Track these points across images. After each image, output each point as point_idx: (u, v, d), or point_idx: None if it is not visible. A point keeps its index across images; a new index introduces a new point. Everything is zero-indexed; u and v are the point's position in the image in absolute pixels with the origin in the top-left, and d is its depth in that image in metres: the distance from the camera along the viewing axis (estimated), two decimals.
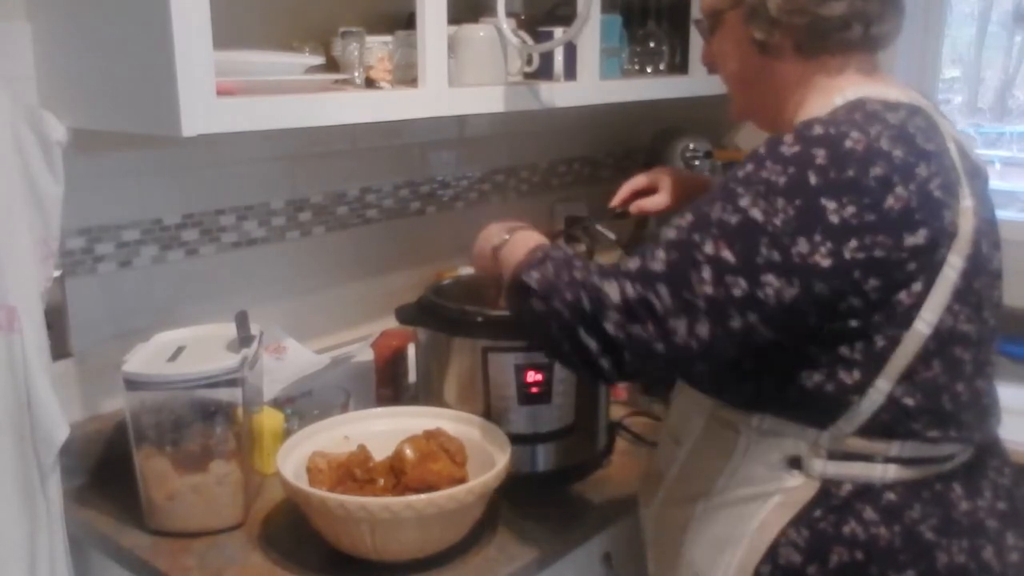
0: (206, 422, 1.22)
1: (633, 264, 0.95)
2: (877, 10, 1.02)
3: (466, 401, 1.35)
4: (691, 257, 0.92)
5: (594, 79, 1.63)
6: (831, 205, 0.90)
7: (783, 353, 0.97)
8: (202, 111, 1.08)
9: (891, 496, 0.98)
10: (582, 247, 1.69)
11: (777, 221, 0.90)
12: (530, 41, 1.53)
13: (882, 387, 0.95)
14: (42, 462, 1.19)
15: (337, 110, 1.27)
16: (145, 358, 1.24)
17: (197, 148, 1.37)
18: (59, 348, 1.29)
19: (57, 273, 1.28)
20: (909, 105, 0.99)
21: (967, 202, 0.96)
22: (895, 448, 0.98)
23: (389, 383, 1.62)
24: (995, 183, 2.31)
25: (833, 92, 1.01)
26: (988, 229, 1.01)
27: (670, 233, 0.96)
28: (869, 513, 0.98)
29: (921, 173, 0.92)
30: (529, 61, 1.57)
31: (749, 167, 0.94)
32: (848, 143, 0.91)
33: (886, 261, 0.91)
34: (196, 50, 1.06)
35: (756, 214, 0.91)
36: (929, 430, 0.98)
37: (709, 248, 0.92)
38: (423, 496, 1.11)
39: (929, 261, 0.93)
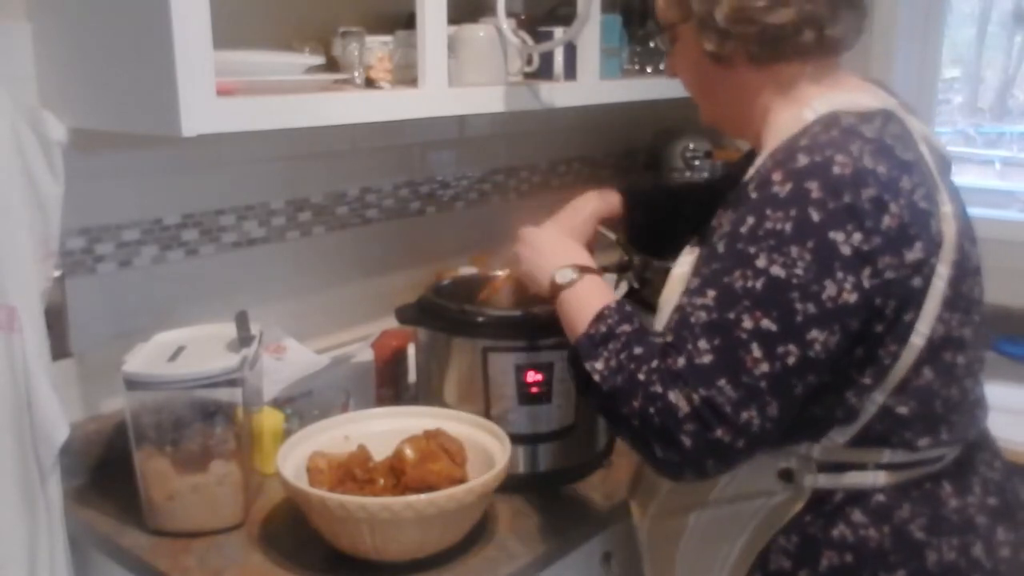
0: (206, 422, 1.22)
1: (682, 363, 0.90)
2: (827, 13, 0.99)
3: (466, 401, 1.35)
4: (735, 338, 0.88)
5: (594, 79, 1.63)
6: (839, 237, 0.88)
7: None
8: (202, 111, 1.08)
9: (880, 498, 0.98)
10: None
11: (799, 271, 0.88)
12: (530, 41, 1.53)
13: (877, 399, 0.95)
14: (42, 462, 1.19)
15: (337, 110, 1.27)
16: (145, 358, 1.24)
17: (197, 148, 1.37)
18: (59, 348, 1.29)
19: (57, 273, 1.28)
20: (882, 112, 0.97)
21: (947, 207, 0.95)
22: (887, 455, 0.98)
23: (389, 383, 1.62)
24: (995, 183, 2.31)
25: (801, 103, 0.99)
26: (966, 228, 1.00)
27: (701, 315, 0.91)
28: (858, 516, 0.98)
29: (906, 186, 0.91)
30: (529, 61, 1.57)
31: (751, 221, 0.91)
32: (836, 168, 0.89)
33: (895, 281, 0.90)
34: (196, 50, 1.06)
35: (777, 271, 0.88)
36: (920, 438, 0.97)
37: (748, 323, 0.88)
38: (423, 496, 1.11)
39: (927, 272, 0.92)
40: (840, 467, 0.98)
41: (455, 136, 1.89)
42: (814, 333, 0.88)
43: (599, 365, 0.96)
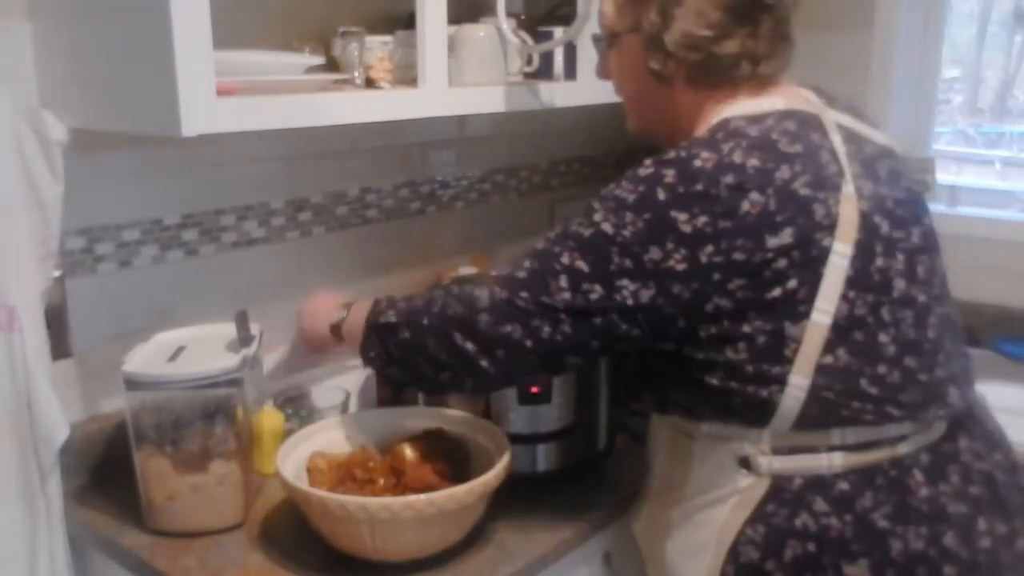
0: (206, 422, 1.22)
1: (502, 271, 1.04)
2: (765, 50, 1.06)
3: (466, 401, 1.35)
4: (550, 266, 1.01)
5: (594, 79, 1.62)
6: (682, 216, 0.95)
7: (678, 360, 1.02)
8: (202, 111, 1.08)
9: (843, 486, 0.99)
10: None
11: (626, 233, 0.97)
12: (530, 41, 1.53)
13: (799, 382, 0.97)
14: (42, 462, 1.19)
15: (337, 110, 1.27)
16: (145, 358, 1.24)
17: (197, 148, 1.37)
18: (59, 348, 1.29)
19: (57, 273, 1.28)
20: (781, 111, 1.03)
21: (849, 188, 0.98)
22: (835, 436, 1.00)
23: (389, 383, 1.62)
24: (995, 183, 2.30)
25: (714, 117, 1.05)
26: (893, 207, 1.02)
27: (537, 245, 1.04)
28: (820, 504, 0.99)
29: (783, 176, 0.96)
30: (529, 61, 1.57)
31: (611, 187, 1.01)
32: (697, 162, 0.96)
33: (748, 263, 0.94)
34: (196, 50, 1.06)
35: (606, 227, 0.98)
36: (863, 414, 0.98)
37: (565, 259, 1.00)
38: (423, 496, 1.11)
39: (806, 255, 0.95)
40: (792, 450, 1.01)
41: (455, 136, 1.89)
42: (624, 282, 0.97)
43: (391, 312, 1.13)
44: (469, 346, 1.03)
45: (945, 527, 0.99)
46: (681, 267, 0.95)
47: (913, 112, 2.12)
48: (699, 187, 0.94)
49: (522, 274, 1.02)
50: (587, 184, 2.22)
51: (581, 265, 0.99)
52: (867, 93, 1.97)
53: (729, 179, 0.94)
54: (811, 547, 0.98)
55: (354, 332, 1.19)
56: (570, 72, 1.61)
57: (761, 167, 0.95)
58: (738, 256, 0.94)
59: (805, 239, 0.95)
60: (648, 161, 1.00)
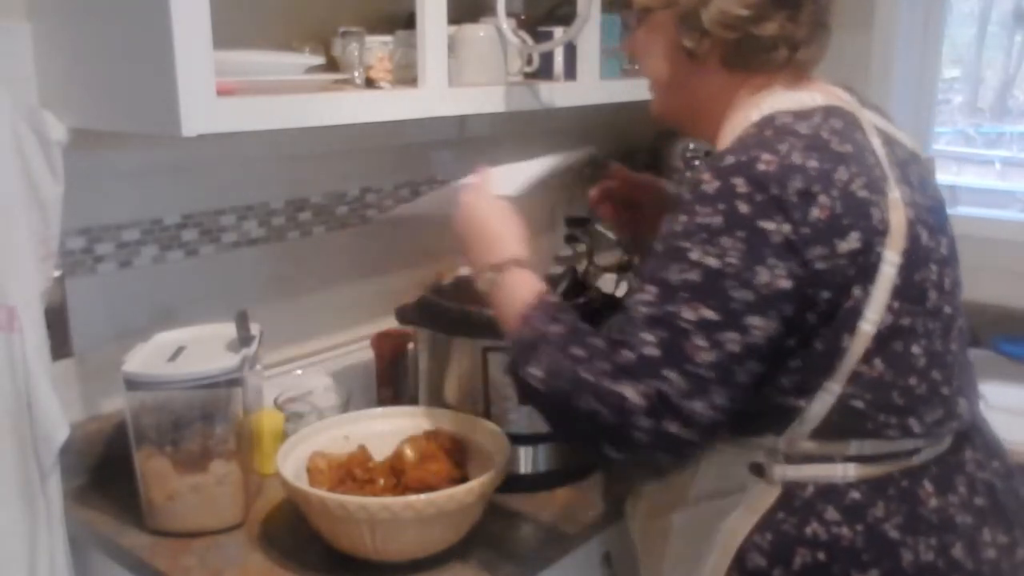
0: (206, 422, 1.22)
1: (628, 358, 0.91)
2: (804, 36, 1.03)
3: (466, 401, 1.35)
4: (676, 328, 0.91)
5: (594, 79, 1.63)
6: (769, 226, 0.90)
7: None
8: (202, 111, 1.08)
9: (855, 495, 0.98)
10: (582, 247, 1.69)
11: (732, 260, 0.90)
12: (530, 41, 1.53)
13: (832, 389, 0.95)
14: (42, 462, 1.19)
15: (337, 110, 1.27)
16: (145, 358, 1.24)
17: (197, 148, 1.37)
18: (59, 348, 1.29)
19: (57, 273, 1.28)
20: (825, 107, 1.00)
21: (895, 193, 0.96)
22: (853, 447, 0.98)
23: (389, 383, 1.62)
24: (995, 183, 2.29)
25: (751, 108, 1.02)
26: (927, 216, 1.00)
27: (642, 310, 0.93)
28: (831, 513, 0.97)
29: (841, 177, 0.93)
30: (529, 61, 1.57)
31: (683, 218, 0.94)
32: (761, 166, 0.92)
33: (826, 272, 0.91)
34: (196, 50, 1.06)
35: (712, 262, 0.91)
36: (885, 428, 0.97)
37: (688, 314, 0.90)
38: (423, 496, 1.11)
39: (866, 262, 0.93)
40: (807, 459, 0.99)
41: (455, 136, 1.89)
42: (752, 319, 0.91)
43: (536, 371, 0.95)
44: (625, 454, 0.93)
45: (953, 538, 0.98)
46: (786, 284, 0.90)
47: (913, 112, 2.12)
48: (773, 191, 0.91)
49: (652, 351, 0.90)
50: (587, 184, 2.21)
51: (708, 314, 0.90)
52: (867, 93, 1.96)
53: (798, 183, 0.91)
54: (821, 556, 0.97)
55: (500, 320, 1.06)
56: (570, 72, 1.61)
57: (820, 168, 0.92)
58: (819, 266, 0.91)
59: (867, 245, 0.92)
60: (707, 176, 0.94)
